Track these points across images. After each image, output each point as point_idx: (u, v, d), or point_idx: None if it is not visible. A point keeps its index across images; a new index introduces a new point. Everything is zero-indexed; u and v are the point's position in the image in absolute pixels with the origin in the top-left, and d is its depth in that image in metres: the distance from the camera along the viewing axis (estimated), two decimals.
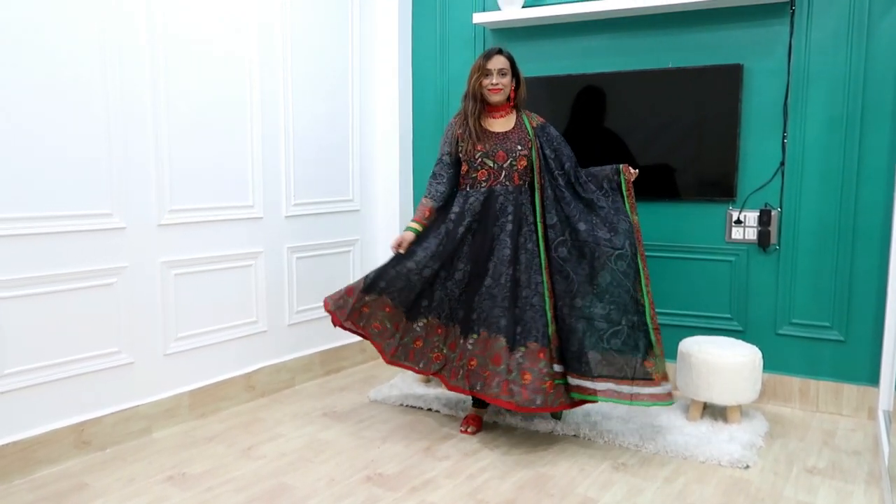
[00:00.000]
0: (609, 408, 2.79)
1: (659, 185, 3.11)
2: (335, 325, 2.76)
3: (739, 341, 2.80)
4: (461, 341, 2.59)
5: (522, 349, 2.45)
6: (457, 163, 2.70)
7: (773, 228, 2.90)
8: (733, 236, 2.98)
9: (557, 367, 2.47)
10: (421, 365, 2.69)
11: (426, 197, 2.72)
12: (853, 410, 2.83)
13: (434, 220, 2.69)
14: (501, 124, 2.65)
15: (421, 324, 2.69)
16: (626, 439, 2.56)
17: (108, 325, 2.52)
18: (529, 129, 2.65)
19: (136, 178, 2.58)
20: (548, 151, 2.63)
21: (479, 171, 2.62)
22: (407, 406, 2.99)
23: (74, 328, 2.42)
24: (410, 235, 2.65)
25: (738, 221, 2.96)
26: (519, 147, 2.60)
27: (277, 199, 3.14)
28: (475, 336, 2.53)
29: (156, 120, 2.62)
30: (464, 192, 2.65)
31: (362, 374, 3.48)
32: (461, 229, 2.60)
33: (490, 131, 2.63)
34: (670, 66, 3.04)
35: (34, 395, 2.34)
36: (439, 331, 2.67)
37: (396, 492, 2.22)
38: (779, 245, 2.92)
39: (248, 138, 2.99)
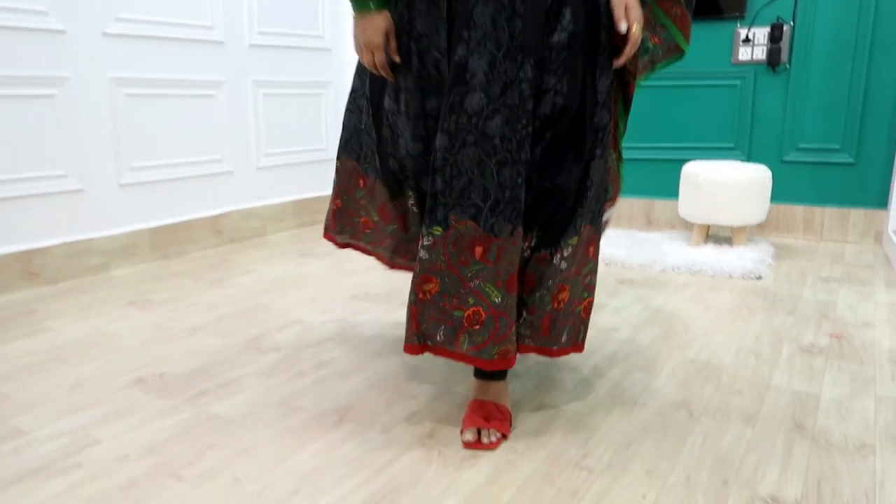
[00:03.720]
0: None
1: None
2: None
3: (747, 163, 2.63)
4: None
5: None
6: None
7: (785, 45, 2.68)
8: (740, 57, 2.76)
9: None
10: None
11: None
12: (859, 236, 2.71)
13: None
14: None
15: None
16: (629, 262, 2.39)
17: (49, 143, 2.21)
18: None
19: None
20: None
21: None
22: None
23: (11, 143, 2.11)
24: (383, 24, 1.21)
25: (747, 40, 2.73)
26: None
27: (239, 22, 2.80)
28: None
29: None
30: None
31: None
32: None
33: None
34: None
35: None
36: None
37: (385, 304, 2.02)
38: (789, 64, 2.71)
39: None
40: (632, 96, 1.29)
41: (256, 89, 2.90)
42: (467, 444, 1.21)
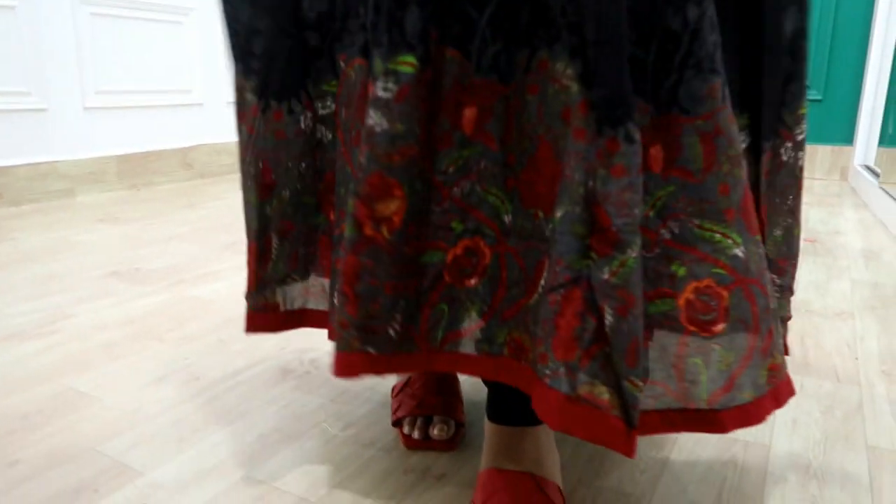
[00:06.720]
0: None
1: None
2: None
3: None
4: None
5: None
6: None
7: None
8: None
9: None
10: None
11: None
12: (825, 173, 2.77)
13: None
14: None
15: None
16: None
17: (12, 57, 2.12)
18: None
19: None
20: None
21: None
22: None
23: None
24: None
25: None
26: None
27: None
28: None
29: None
30: None
31: None
32: None
33: None
34: None
35: None
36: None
37: None
38: None
39: None
40: None
41: None
42: None
